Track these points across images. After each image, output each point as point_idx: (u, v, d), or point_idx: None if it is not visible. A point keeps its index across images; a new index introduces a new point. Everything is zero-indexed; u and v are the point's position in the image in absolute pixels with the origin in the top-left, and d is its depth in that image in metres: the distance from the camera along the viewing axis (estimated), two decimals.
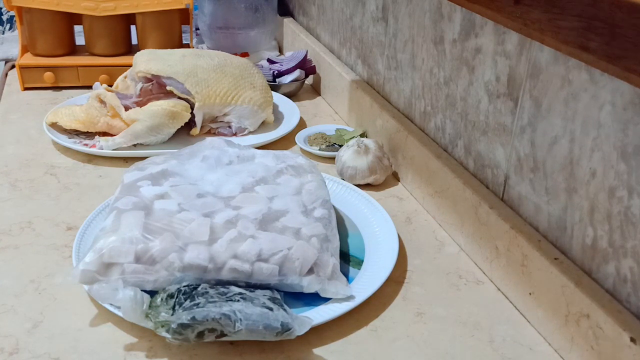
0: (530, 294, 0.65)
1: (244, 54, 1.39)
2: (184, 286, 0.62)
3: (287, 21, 1.48)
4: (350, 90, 1.10)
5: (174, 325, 0.56)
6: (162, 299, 0.61)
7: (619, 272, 0.56)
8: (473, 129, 0.78)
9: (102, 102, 1.00)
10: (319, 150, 1.00)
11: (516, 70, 0.68)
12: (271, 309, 0.59)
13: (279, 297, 0.63)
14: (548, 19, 0.57)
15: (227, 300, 0.59)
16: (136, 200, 0.68)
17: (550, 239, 0.66)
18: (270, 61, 1.29)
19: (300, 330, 0.58)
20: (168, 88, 1.01)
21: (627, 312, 0.55)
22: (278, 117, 1.11)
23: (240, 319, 0.56)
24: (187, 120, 1.00)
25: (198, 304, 0.58)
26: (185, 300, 0.59)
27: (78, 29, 1.27)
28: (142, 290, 0.60)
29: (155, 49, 1.15)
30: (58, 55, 1.23)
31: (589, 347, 0.57)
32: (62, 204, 0.84)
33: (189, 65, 1.02)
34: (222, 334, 0.57)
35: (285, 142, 1.05)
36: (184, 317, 0.56)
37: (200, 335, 0.56)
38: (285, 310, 0.60)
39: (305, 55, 1.25)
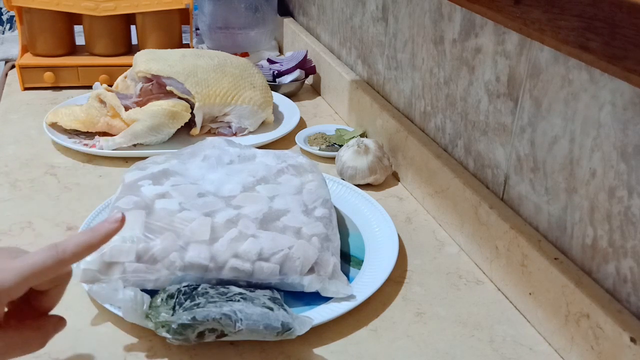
0: (530, 294, 0.65)
1: (244, 54, 1.39)
2: (184, 286, 0.62)
3: (287, 21, 1.48)
4: (350, 90, 1.10)
5: (174, 326, 0.56)
6: (162, 299, 0.61)
7: (619, 272, 0.57)
8: (473, 129, 0.78)
9: (102, 102, 1.00)
10: (319, 150, 1.00)
11: (516, 70, 0.68)
12: (271, 309, 0.59)
13: (279, 297, 0.63)
14: (548, 19, 0.57)
15: (227, 300, 0.59)
16: (137, 199, 0.68)
17: (550, 239, 0.66)
18: (270, 61, 1.29)
19: (300, 330, 0.58)
20: (168, 88, 1.01)
21: (627, 312, 0.55)
22: (278, 117, 1.11)
23: (241, 319, 0.56)
24: (187, 120, 1.00)
25: (198, 304, 0.58)
26: (186, 300, 0.59)
27: (78, 29, 1.27)
28: (142, 290, 0.60)
29: (155, 49, 1.15)
30: (58, 55, 1.23)
31: (589, 347, 0.57)
32: (62, 204, 0.84)
33: (189, 65, 1.02)
34: (223, 334, 0.57)
35: (285, 142, 1.05)
36: (184, 317, 0.56)
37: (201, 335, 0.56)
38: (285, 310, 0.60)
39: (305, 55, 1.25)
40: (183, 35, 1.31)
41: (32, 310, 0.52)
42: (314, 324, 0.60)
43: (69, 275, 0.52)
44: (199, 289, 0.61)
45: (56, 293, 0.52)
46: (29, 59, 1.21)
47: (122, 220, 0.50)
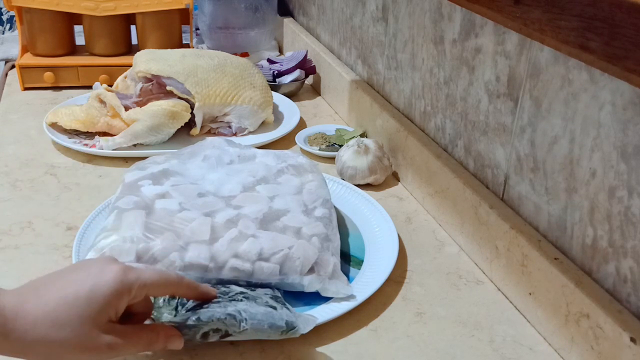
0: (530, 294, 0.65)
1: (244, 54, 1.39)
2: None
3: (287, 21, 1.48)
4: (350, 90, 1.10)
5: (179, 327, 0.56)
6: (164, 300, 0.60)
7: (619, 272, 0.57)
8: (473, 129, 0.78)
9: (102, 102, 1.00)
10: (319, 150, 1.00)
11: (516, 70, 0.68)
12: (275, 308, 0.58)
13: (280, 295, 0.63)
14: (548, 19, 0.57)
15: (230, 300, 0.59)
16: (137, 199, 0.68)
17: (550, 239, 0.66)
18: (270, 61, 1.29)
19: (304, 328, 0.58)
20: (168, 88, 1.01)
21: (627, 312, 0.55)
22: (278, 117, 1.11)
23: (246, 319, 0.56)
24: (187, 120, 1.00)
25: (202, 304, 0.58)
26: (188, 300, 0.59)
27: (78, 29, 1.27)
28: None
29: (155, 49, 1.15)
30: (58, 55, 1.23)
31: (589, 347, 0.57)
32: (62, 204, 0.84)
33: (189, 65, 1.02)
34: (227, 334, 0.57)
35: (285, 142, 1.05)
36: (189, 317, 0.56)
37: (205, 335, 0.56)
38: (288, 308, 0.60)
39: (305, 55, 1.25)
40: (183, 35, 1.31)
41: None
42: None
43: (150, 310, 0.57)
44: None
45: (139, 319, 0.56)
46: (29, 59, 1.21)
47: (215, 293, 0.58)
